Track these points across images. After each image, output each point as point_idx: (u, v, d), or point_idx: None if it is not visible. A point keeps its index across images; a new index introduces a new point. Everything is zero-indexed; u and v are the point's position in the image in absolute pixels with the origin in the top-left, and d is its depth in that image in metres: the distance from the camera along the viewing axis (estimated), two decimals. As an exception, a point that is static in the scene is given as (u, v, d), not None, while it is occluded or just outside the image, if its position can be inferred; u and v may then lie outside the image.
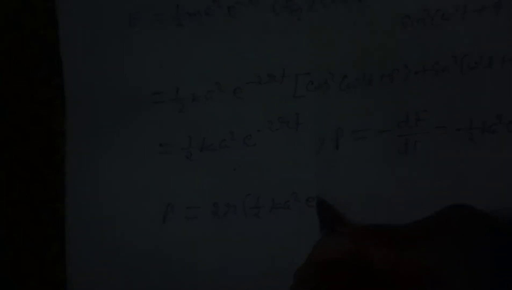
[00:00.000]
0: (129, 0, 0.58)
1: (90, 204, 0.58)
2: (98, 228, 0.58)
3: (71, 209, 0.58)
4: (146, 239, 0.57)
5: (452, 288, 0.41)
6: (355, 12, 0.53)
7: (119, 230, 0.57)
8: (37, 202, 0.60)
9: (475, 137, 0.50)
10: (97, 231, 0.58)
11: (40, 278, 0.59)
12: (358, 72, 0.53)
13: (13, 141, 0.61)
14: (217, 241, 0.55)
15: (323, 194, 0.53)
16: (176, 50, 0.57)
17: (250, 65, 0.55)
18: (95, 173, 0.58)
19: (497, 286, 0.42)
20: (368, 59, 0.53)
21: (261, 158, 0.55)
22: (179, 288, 0.56)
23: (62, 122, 0.59)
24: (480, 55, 0.50)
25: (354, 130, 0.53)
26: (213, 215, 0.55)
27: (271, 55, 0.55)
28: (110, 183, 0.58)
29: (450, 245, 0.43)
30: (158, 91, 0.57)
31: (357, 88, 0.53)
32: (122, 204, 0.57)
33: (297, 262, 0.53)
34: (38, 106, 0.60)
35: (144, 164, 0.57)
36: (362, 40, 0.53)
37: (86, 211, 0.58)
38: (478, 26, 0.50)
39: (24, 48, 0.61)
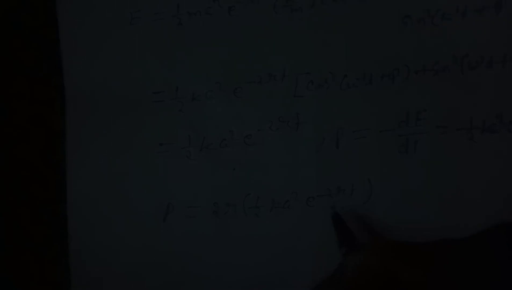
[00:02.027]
0: (129, -1, 0.58)
1: (90, 204, 0.58)
2: (98, 228, 0.58)
3: (71, 209, 0.58)
4: (147, 238, 0.57)
5: None
6: (355, 11, 0.53)
7: (119, 230, 0.57)
8: (37, 202, 0.60)
9: (475, 137, 0.50)
10: (97, 231, 0.58)
11: (40, 278, 0.59)
12: (358, 72, 0.53)
13: (13, 141, 0.61)
14: (217, 241, 0.55)
15: (324, 193, 0.53)
16: (176, 50, 0.57)
17: (250, 64, 0.55)
18: (95, 173, 0.58)
19: None
20: (368, 59, 0.53)
21: (261, 158, 0.54)
22: (179, 288, 0.56)
23: (62, 122, 0.59)
24: (480, 55, 0.50)
25: (354, 130, 0.53)
26: (213, 214, 0.55)
27: (271, 54, 0.55)
28: (110, 183, 0.58)
29: (484, 266, 0.41)
30: (158, 91, 0.57)
31: (357, 87, 0.53)
32: (122, 204, 0.57)
33: (297, 262, 0.53)
34: (38, 106, 0.60)
35: (144, 164, 0.57)
36: (362, 40, 0.53)
37: (86, 211, 0.58)
38: (478, 26, 0.50)
39: (24, 48, 0.61)
